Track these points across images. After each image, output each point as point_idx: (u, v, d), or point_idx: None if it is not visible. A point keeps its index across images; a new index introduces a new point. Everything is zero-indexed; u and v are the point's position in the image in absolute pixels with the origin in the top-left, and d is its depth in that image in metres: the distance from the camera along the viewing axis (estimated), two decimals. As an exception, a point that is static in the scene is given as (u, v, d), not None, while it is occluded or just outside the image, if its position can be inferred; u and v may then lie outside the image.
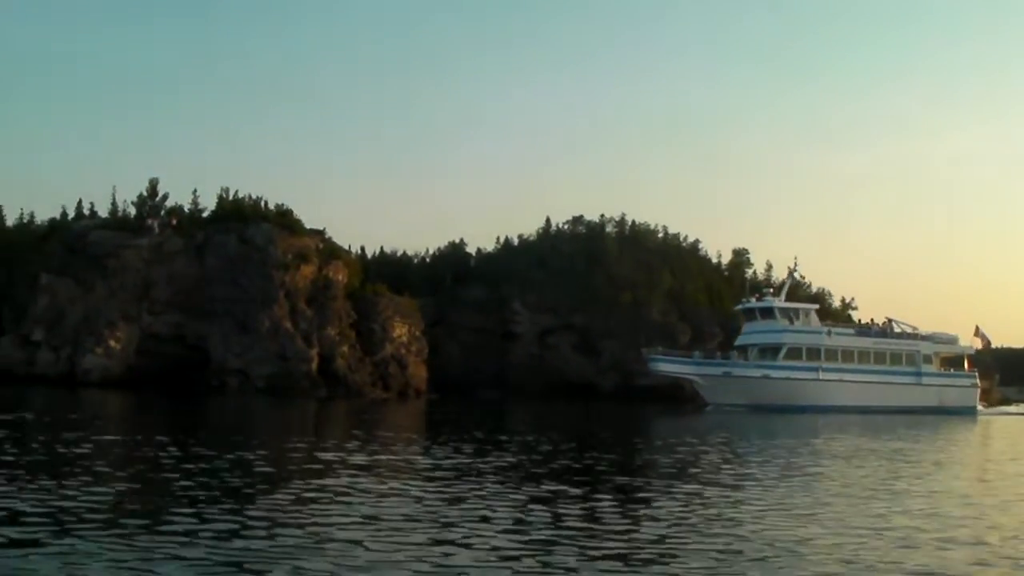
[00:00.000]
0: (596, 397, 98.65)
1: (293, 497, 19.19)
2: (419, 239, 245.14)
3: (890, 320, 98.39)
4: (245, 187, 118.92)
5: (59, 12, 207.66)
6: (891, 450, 37.76)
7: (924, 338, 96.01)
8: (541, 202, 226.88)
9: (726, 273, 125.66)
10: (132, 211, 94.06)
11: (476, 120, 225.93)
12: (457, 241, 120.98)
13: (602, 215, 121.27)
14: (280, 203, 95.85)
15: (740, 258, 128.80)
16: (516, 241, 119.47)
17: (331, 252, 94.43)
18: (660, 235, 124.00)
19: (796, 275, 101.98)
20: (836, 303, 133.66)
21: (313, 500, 18.86)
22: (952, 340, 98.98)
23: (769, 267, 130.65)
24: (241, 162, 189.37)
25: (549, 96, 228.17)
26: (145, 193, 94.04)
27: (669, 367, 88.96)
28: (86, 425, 41.04)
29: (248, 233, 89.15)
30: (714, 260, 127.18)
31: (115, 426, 43.23)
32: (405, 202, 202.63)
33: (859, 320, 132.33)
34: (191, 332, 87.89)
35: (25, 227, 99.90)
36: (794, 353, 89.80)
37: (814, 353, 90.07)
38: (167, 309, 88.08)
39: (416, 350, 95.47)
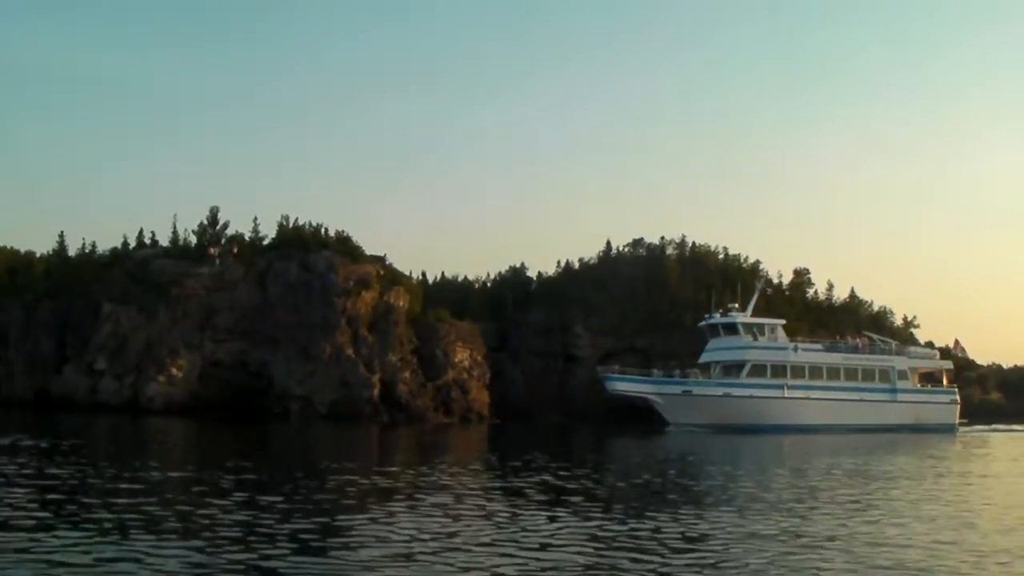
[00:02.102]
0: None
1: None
2: (480, 264, 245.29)
3: (868, 335, 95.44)
4: (305, 214, 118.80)
5: (115, 39, 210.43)
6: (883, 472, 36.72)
7: (899, 353, 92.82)
8: (601, 225, 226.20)
9: (787, 293, 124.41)
10: (193, 240, 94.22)
11: (534, 143, 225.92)
12: (518, 266, 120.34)
13: (662, 237, 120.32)
14: (340, 230, 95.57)
15: (801, 278, 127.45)
16: (577, 265, 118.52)
17: (392, 278, 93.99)
18: (720, 256, 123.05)
19: (761, 283, 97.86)
20: (898, 321, 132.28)
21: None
22: (930, 354, 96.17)
23: (830, 286, 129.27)
24: (301, 189, 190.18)
25: (607, 119, 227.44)
26: (206, 221, 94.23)
27: (626, 386, 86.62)
28: (165, 453, 40.85)
29: (309, 260, 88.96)
30: (775, 280, 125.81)
31: (198, 455, 43.09)
32: (465, 227, 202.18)
33: (925, 340, 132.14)
34: (253, 359, 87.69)
35: (88, 256, 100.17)
36: (758, 370, 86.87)
37: (779, 370, 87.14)
38: (229, 337, 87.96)
39: (478, 375, 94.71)
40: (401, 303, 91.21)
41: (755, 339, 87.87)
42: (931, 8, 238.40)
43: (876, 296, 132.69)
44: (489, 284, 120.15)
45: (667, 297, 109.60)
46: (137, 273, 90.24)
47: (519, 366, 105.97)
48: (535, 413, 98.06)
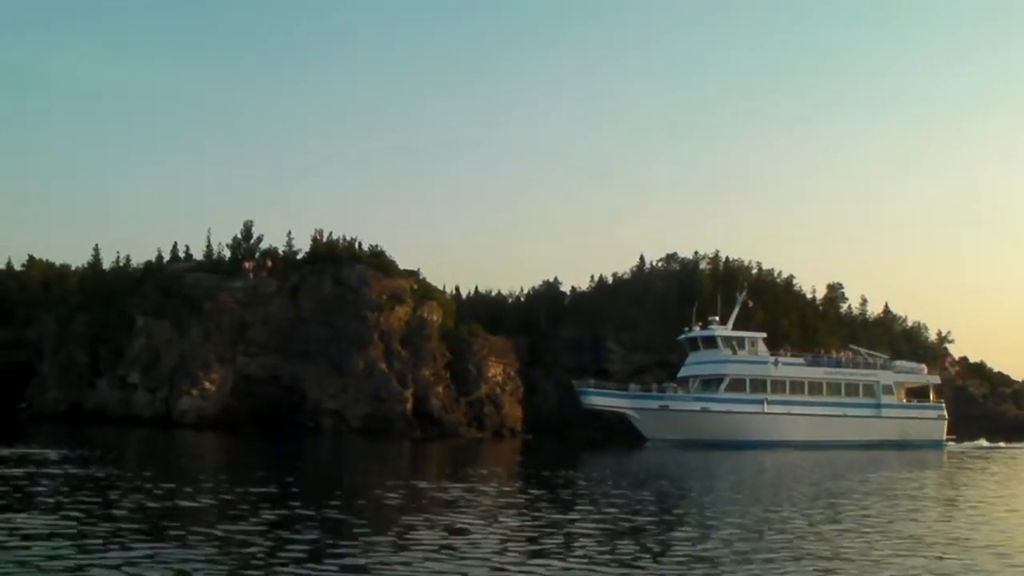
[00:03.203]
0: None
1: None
2: (514, 279, 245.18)
3: (855, 348, 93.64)
4: (339, 228, 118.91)
5: (144, 52, 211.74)
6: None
7: (884, 367, 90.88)
8: (635, 240, 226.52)
9: (820, 308, 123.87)
10: (227, 253, 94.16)
11: (567, 157, 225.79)
12: (551, 280, 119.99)
13: (695, 252, 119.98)
14: (374, 244, 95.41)
15: (834, 292, 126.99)
16: (610, 279, 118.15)
17: (425, 293, 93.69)
18: (754, 271, 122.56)
19: (743, 295, 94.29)
20: (932, 336, 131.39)
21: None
22: (916, 369, 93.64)
23: (864, 301, 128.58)
24: (335, 204, 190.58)
25: (640, 134, 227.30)
26: (240, 235, 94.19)
27: (602, 401, 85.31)
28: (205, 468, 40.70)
29: (342, 274, 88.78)
30: (808, 295, 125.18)
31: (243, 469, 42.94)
32: (499, 241, 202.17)
33: (960, 356, 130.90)
34: (286, 373, 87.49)
35: (121, 270, 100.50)
36: (737, 384, 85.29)
37: (759, 384, 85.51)
38: (262, 351, 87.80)
39: (511, 390, 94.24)
40: (434, 318, 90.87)
41: (734, 352, 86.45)
42: (982, 9, 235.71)
43: (911, 312, 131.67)
44: (522, 299, 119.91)
45: (700, 312, 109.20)
46: (171, 287, 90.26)
47: (551, 381, 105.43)
48: (567, 428, 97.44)
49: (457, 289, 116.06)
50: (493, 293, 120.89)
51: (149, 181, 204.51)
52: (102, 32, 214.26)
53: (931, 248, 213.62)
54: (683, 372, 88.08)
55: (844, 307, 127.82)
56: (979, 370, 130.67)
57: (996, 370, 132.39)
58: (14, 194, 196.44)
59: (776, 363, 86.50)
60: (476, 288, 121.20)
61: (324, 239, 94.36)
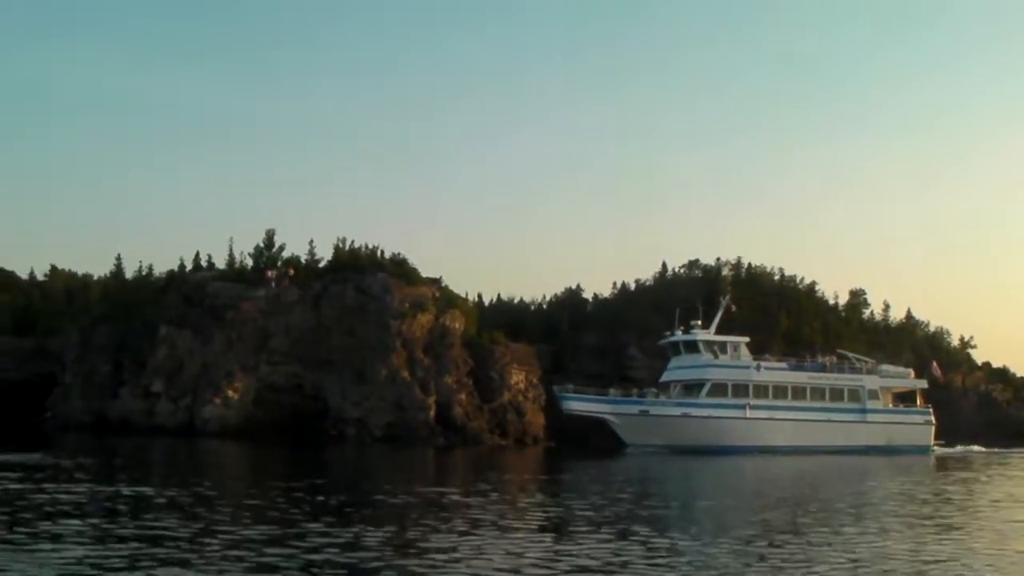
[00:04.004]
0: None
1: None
2: (536, 286, 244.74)
3: (843, 353, 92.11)
4: (361, 237, 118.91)
5: (171, 64, 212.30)
6: None
7: (870, 372, 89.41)
8: (657, 247, 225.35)
9: (843, 314, 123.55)
10: (249, 262, 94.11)
11: (590, 166, 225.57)
12: (574, 287, 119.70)
13: (718, 258, 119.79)
14: (396, 252, 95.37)
15: (857, 298, 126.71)
16: (633, 286, 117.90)
17: (448, 300, 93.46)
18: (776, 277, 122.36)
19: (726, 299, 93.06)
20: (955, 342, 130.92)
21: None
22: (902, 374, 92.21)
23: (886, 307, 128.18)
24: (357, 212, 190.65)
25: (662, 140, 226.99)
26: (262, 244, 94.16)
27: (581, 406, 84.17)
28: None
29: (364, 283, 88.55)
30: (831, 301, 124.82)
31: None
32: (521, 249, 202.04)
33: (983, 361, 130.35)
34: (308, 382, 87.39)
35: (144, 279, 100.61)
36: (718, 389, 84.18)
37: (741, 389, 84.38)
38: (285, 359, 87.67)
39: (533, 397, 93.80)
40: (457, 325, 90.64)
41: (716, 357, 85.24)
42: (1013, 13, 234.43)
43: (933, 317, 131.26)
44: (545, 306, 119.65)
45: (722, 319, 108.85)
46: (193, 296, 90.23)
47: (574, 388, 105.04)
48: (589, 436, 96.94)
49: (479, 296, 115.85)
50: (515, 300, 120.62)
51: (172, 190, 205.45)
52: (128, 42, 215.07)
53: (954, 253, 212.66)
54: (665, 377, 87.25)
55: (867, 313, 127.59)
56: (1002, 375, 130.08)
57: (1020, 375, 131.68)
58: (37, 204, 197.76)
59: (759, 367, 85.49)
60: (498, 295, 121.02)
61: (346, 247, 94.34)
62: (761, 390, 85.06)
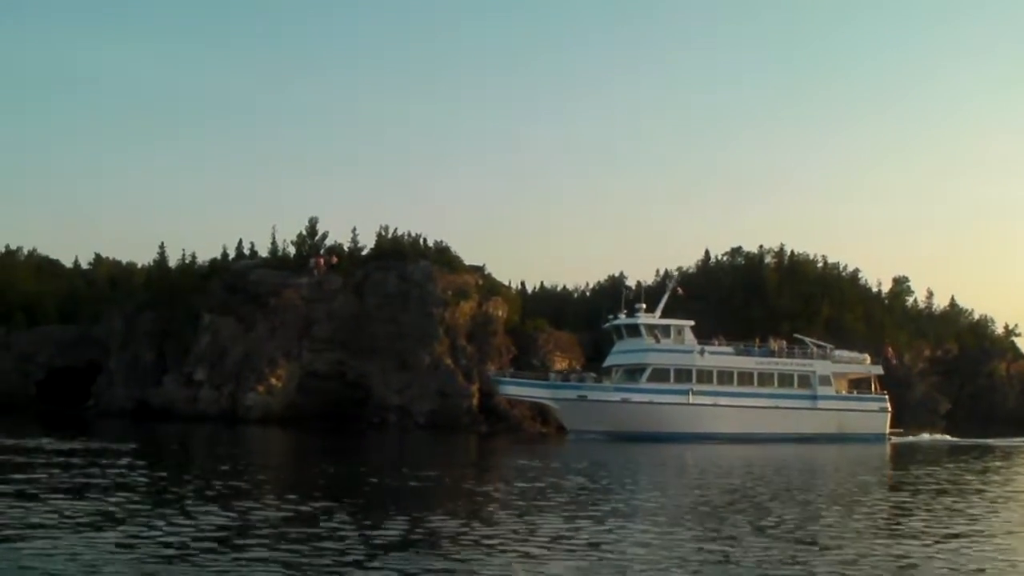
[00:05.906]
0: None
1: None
2: (579, 274, 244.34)
3: (799, 337, 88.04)
4: (404, 225, 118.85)
5: (214, 56, 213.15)
6: None
7: (822, 357, 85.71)
8: (700, 234, 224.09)
9: (886, 302, 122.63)
10: (292, 250, 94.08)
11: (633, 153, 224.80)
12: (616, 275, 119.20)
13: (760, 246, 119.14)
14: (439, 240, 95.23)
15: (900, 286, 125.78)
16: (675, 274, 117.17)
17: (491, 288, 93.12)
18: (819, 265, 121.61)
19: (673, 282, 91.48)
20: (999, 329, 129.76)
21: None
22: (857, 359, 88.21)
23: (930, 294, 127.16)
24: (400, 200, 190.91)
25: (705, 125, 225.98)
26: (305, 232, 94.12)
27: (519, 391, 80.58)
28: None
29: (407, 270, 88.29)
30: (874, 289, 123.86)
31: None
32: (564, 236, 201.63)
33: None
34: (351, 369, 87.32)
35: (187, 267, 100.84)
36: (660, 375, 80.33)
37: (683, 374, 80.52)
38: (327, 347, 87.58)
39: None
40: (500, 313, 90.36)
41: (657, 341, 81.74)
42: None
43: (977, 305, 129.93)
44: (588, 293, 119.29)
45: (764, 306, 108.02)
46: (236, 284, 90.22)
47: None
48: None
49: (522, 284, 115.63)
50: (558, 288, 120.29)
51: (216, 179, 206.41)
52: (164, 35, 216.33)
53: (998, 240, 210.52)
54: (607, 362, 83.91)
55: (910, 301, 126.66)
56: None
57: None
58: (82, 193, 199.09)
59: (702, 352, 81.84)
60: (541, 283, 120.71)
61: (389, 235, 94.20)
62: (705, 375, 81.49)
